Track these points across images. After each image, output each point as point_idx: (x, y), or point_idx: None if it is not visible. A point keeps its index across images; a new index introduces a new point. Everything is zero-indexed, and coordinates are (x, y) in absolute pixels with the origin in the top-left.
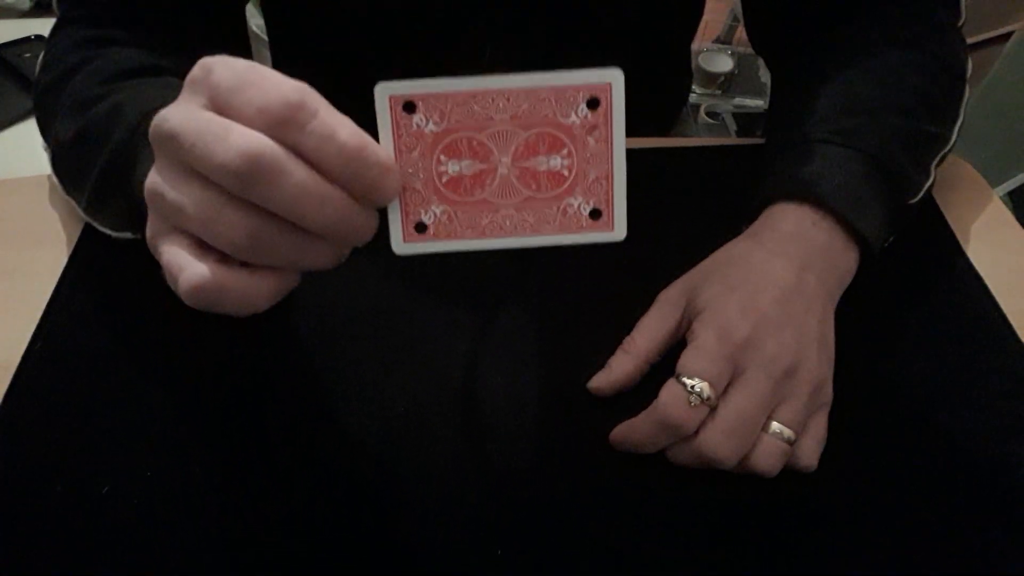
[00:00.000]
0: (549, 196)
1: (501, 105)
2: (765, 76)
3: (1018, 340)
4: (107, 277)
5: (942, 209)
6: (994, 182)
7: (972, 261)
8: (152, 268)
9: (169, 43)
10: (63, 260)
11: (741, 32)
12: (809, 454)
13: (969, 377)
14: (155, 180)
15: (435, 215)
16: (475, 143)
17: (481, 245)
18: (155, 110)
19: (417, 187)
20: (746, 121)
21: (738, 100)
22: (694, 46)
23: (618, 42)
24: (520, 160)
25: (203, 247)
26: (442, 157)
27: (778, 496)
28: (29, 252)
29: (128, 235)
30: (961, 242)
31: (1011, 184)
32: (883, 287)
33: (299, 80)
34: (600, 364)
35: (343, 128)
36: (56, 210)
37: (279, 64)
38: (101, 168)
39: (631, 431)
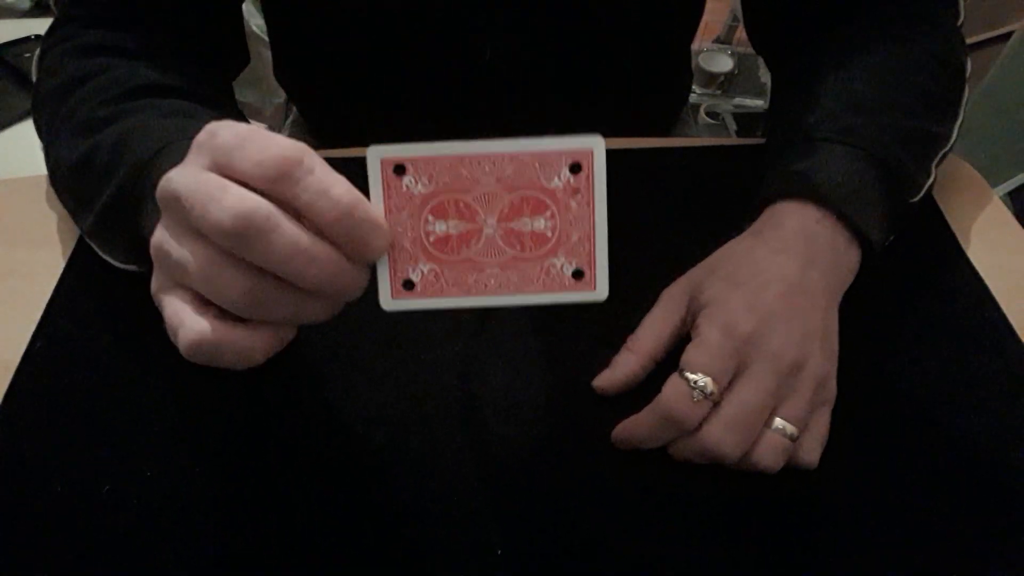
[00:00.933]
0: (533, 256)
1: (487, 169)
2: (765, 76)
3: (1018, 341)
4: (107, 277)
5: (942, 209)
6: (994, 182)
7: (972, 261)
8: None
9: (169, 45)
10: (63, 260)
11: (741, 32)
12: (810, 451)
13: (969, 377)
14: (160, 237)
15: (422, 273)
16: (462, 204)
17: (466, 303)
18: (161, 150)
19: (405, 246)
20: (746, 121)
21: (738, 100)
22: (694, 46)
23: (618, 42)
24: (505, 221)
25: (204, 303)
26: (430, 217)
27: (777, 494)
28: (29, 252)
29: (134, 268)
30: (961, 242)
31: (1011, 184)
32: (883, 287)
33: (301, 80)
34: (600, 362)
35: (337, 185)
36: (56, 210)
37: (279, 64)
38: (105, 204)
39: (634, 427)
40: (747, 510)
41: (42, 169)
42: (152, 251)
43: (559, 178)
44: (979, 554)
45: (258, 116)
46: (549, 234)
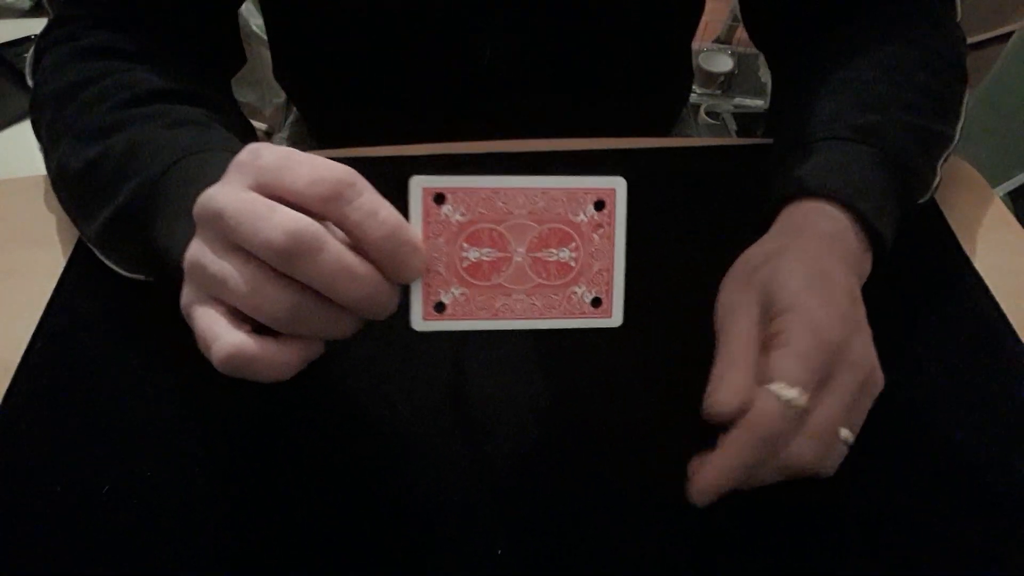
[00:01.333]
0: (556, 284)
1: (520, 201)
2: (765, 76)
3: (1018, 341)
4: (107, 277)
5: (942, 209)
6: (994, 182)
7: (972, 261)
8: None
9: (169, 46)
10: (63, 260)
11: (741, 32)
12: (844, 455)
13: (969, 377)
14: (197, 253)
15: (453, 296)
16: (495, 234)
17: (493, 326)
18: (173, 165)
19: (439, 270)
20: (746, 121)
21: (738, 100)
22: (694, 46)
23: (618, 42)
24: (533, 251)
25: (236, 317)
26: (465, 244)
27: (778, 496)
28: (29, 252)
29: (140, 277)
30: (961, 242)
31: (1011, 184)
32: (884, 288)
33: (301, 80)
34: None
35: (384, 208)
36: (56, 210)
37: (279, 64)
38: (111, 215)
39: (727, 466)
40: (747, 512)
41: (42, 169)
42: (187, 266)
43: (584, 213)
44: (979, 555)
45: (258, 116)
46: (572, 264)
